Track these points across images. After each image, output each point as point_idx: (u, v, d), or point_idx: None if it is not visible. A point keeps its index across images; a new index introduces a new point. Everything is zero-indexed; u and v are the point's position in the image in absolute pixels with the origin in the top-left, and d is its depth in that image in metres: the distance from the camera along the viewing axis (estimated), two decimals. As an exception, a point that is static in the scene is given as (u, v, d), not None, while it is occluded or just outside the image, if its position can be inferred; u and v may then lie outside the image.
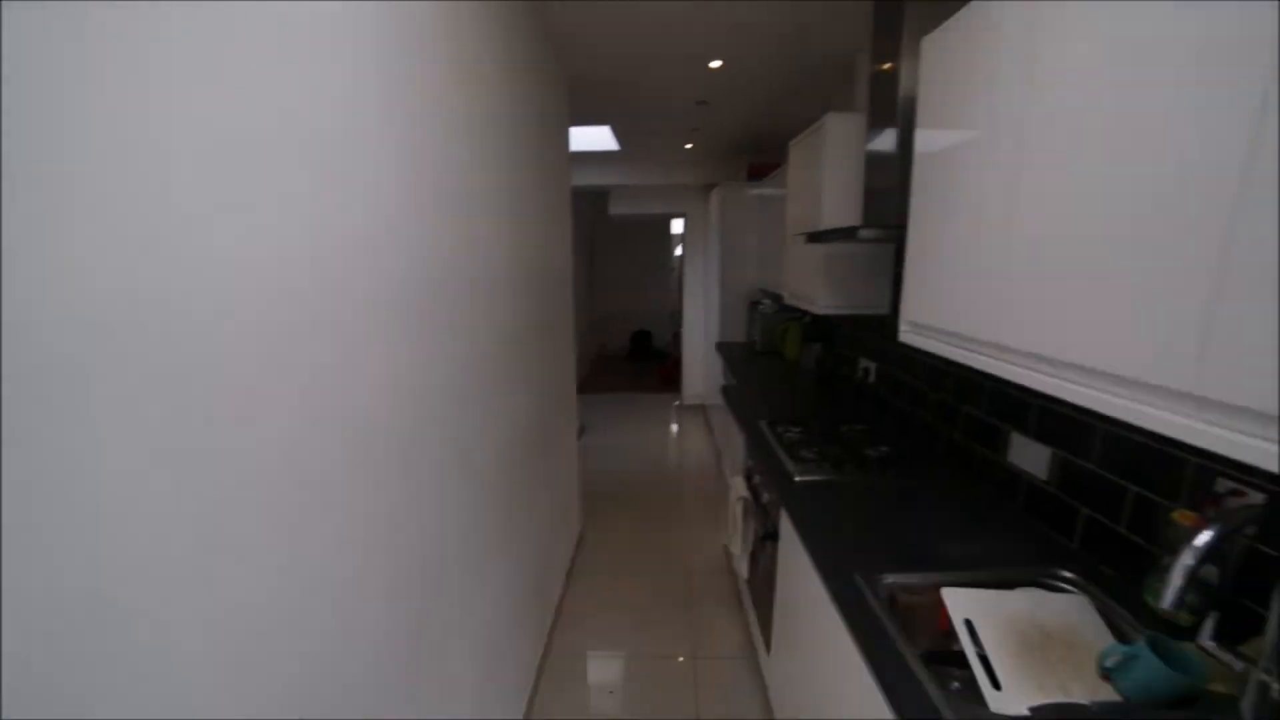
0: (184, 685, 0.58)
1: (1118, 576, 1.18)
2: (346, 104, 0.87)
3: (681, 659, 2.28)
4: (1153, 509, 1.11)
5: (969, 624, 1.02)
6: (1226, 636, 0.87)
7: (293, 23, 0.74)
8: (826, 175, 2.18)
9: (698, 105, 3.46)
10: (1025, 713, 0.87)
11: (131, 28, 0.52)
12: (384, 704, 0.99)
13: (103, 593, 0.50)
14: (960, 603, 1.05)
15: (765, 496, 1.94)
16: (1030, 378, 1.01)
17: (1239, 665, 0.82)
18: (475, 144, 1.46)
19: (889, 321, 2.33)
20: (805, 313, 3.37)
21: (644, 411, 5.94)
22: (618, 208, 5.66)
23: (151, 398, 0.54)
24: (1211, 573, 0.97)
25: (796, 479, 1.70)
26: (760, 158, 4.84)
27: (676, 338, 6.74)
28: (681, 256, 5.98)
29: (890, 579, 1.19)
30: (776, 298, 3.62)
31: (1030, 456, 1.45)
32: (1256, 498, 0.93)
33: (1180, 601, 0.71)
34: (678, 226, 8.15)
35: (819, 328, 3.36)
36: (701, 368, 5.71)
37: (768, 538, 1.88)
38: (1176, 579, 0.70)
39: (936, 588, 1.13)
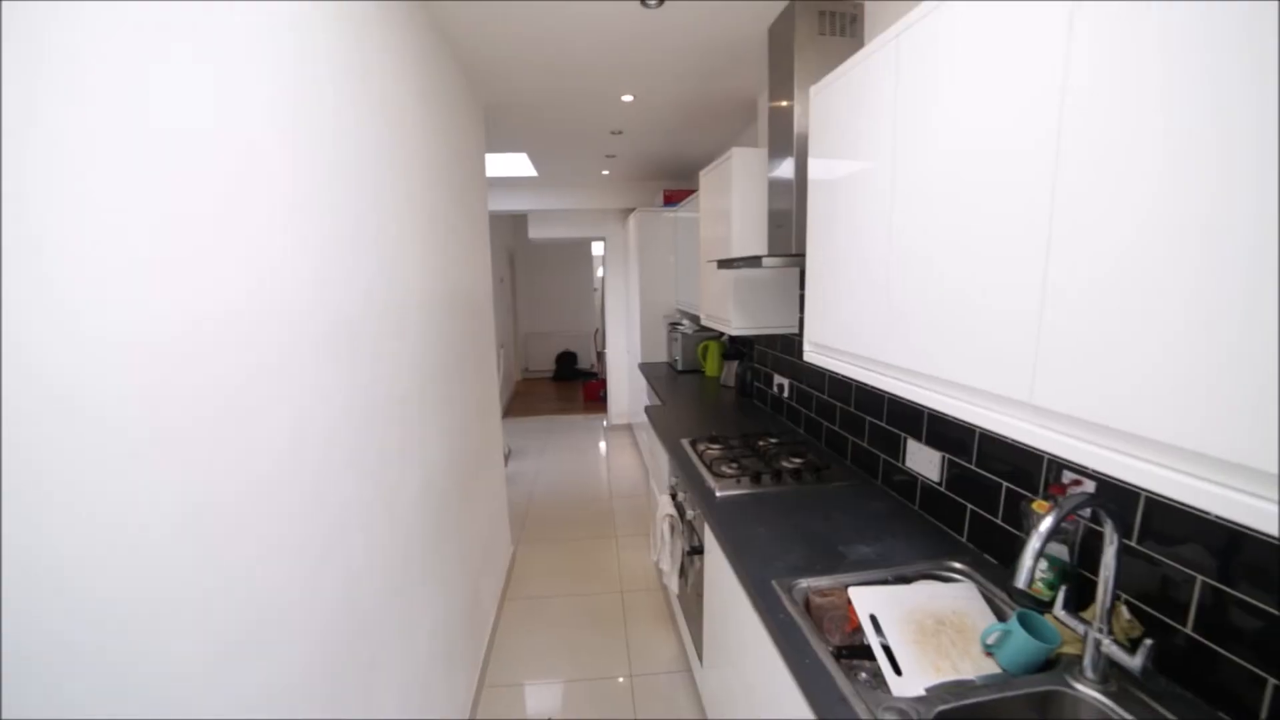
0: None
1: (998, 563, 1.34)
2: (246, 127, 0.86)
3: (621, 679, 2.30)
4: (1019, 501, 1.28)
5: (874, 619, 1.12)
6: (1074, 605, 1.02)
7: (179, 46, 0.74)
8: (735, 205, 2.32)
9: (612, 134, 3.58)
10: (922, 693, 0.97)
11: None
12: (309, 759, 0.96)
13: None
14: (866, 601, 1.15)
15: (690, 513, 2.01)
16: (913, 392, 1.14)
17: (1081, 628, 0.96)
18: (391, 172, 1.46)
19: (796, 340, 2.50)
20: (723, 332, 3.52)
21: (571, 433, 5.94)
22: (537, 231, 5.68)
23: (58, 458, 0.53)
24: (1063, 552, 1.13)
25: (718, 494, 1.79)
26: (675, 184, 5.04)
27: (601, 357, 6.80)
28: (603, 278, 6.06)
29: (804, 583, 1.29)
30: (695, 318, 3.77)
31: (924, 461, 1.61)
32: (1089, 485, 1.10)
33: (1031, 579, 0.83)
34: (599, 249, 8.26)
35: (737, 346, 3.53)
36: (627, 387, 5.79)
37: (694, 552, 1.95)
38: (1027, 560, 0.82)
39: (845, 588, 1.23)
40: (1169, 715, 0.89)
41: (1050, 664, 1.02)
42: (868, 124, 1.24)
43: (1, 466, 0.49)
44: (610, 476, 4.64)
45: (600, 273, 7.24)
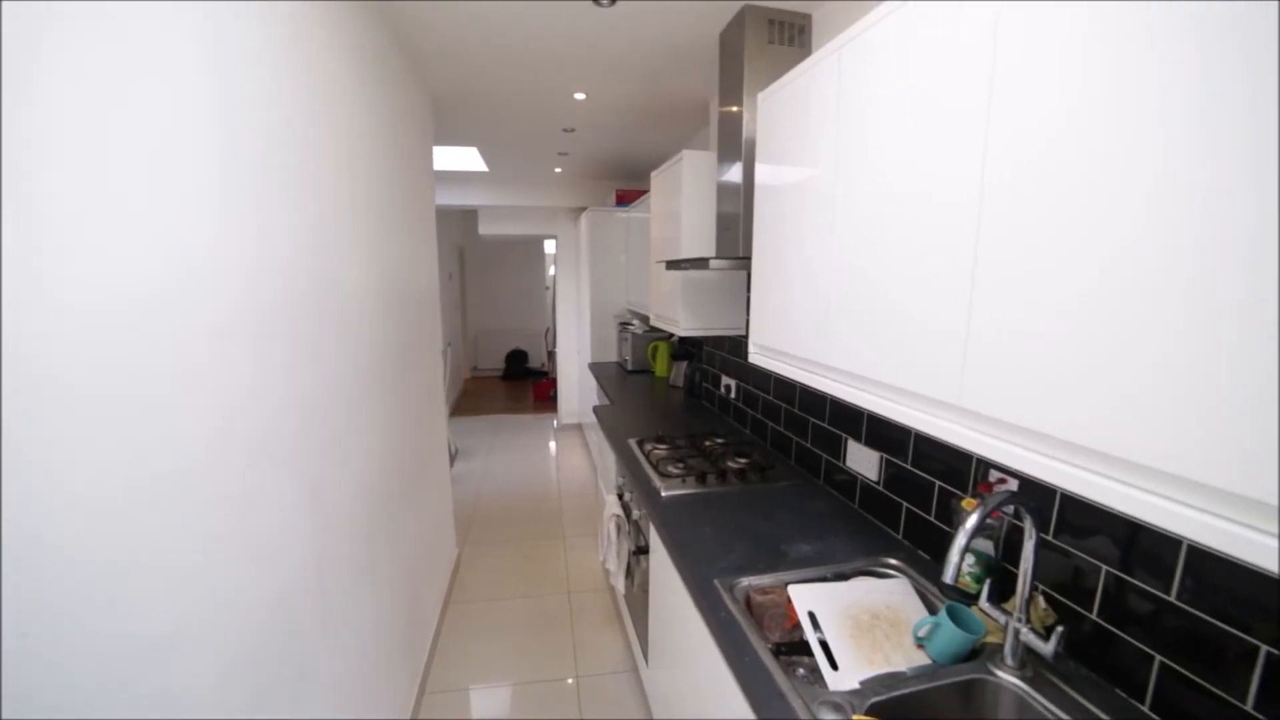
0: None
1: (931, 559, 1.40)
2: (170, 101, 0.81)
3: (568, 681, 2.28)
4: (950, 499, 1.34)
5: (812, 615, 1.15)
6: (998, 597, 1.08)
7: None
8: (685, 206, 2.34)
9: (565, 132, 3.55)
10: (856, 686, 1.00)
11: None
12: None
13: None
14: (804, 598, 1.18)
15: (636, 513, 2.02)
16: (853, 395, 1.18)
17: (1003, 619, 1.02)
18: (330, 158, 1.40)
19: (744, 342, 2.54)
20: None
21: (521, 433, 5.86)
22: (487, 228, 5.57)
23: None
24: (989, 547, 1.19)
25: (663, 494, 1.80)
26: (627, 184, 5.04)
27: (552, 356, 6.74)
28: (555, 277, 6.01)
29: (746, 581, 1.31)
30: (645, 319, 3.78)
31: (864, 461, 1.67)
32: (1013, 484, 1.17)
33: (958, 574, 0.87)
34: (551, 247, 8.18)
35: (686, 346, 3.56)
36: (577, 387, 5.76)
37: (640, 552, 1.96)
38: (954, 556, 0.86)
39: (785, 586, 1.26)
40: (1076, 695, 0.96)
41: (976, 653, 1.07)
42: (813, 131, 1.28)
43: None
44: (559, 476, 4.60)
45: (552, 271, 7.17)
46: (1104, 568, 0.98)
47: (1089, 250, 0.66)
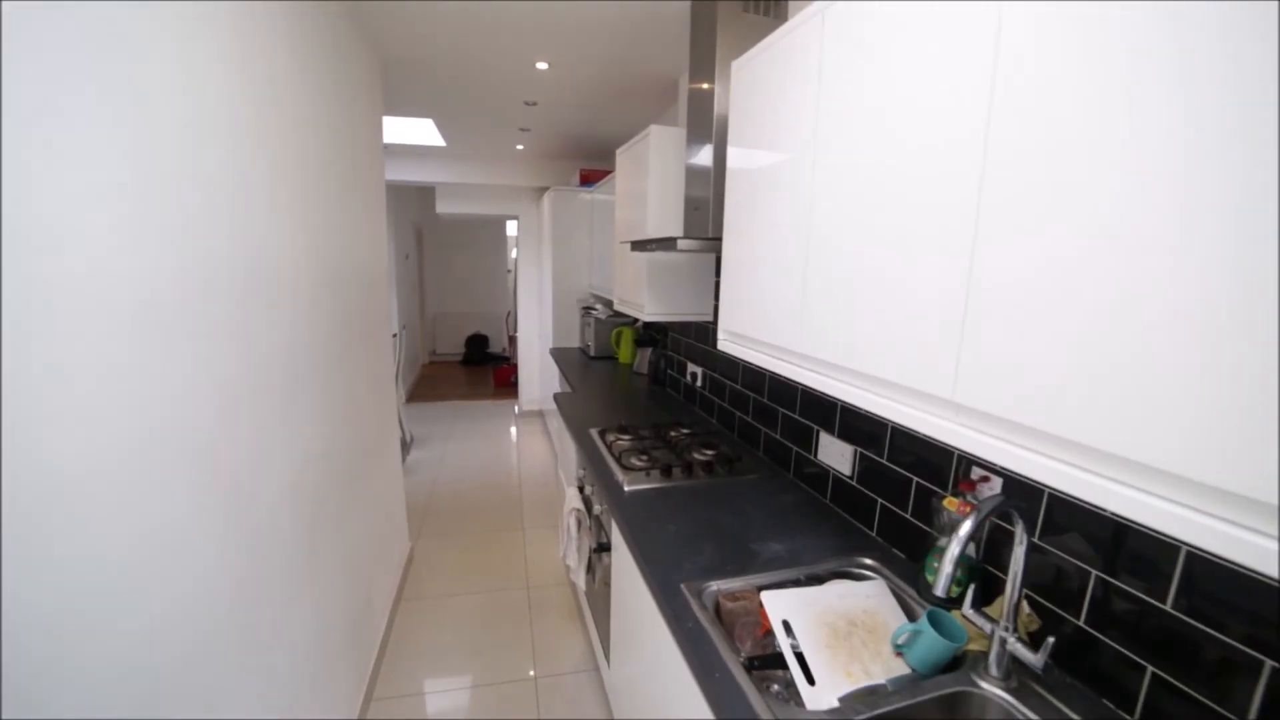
0: None
1: (907, 558, 1.34)
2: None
3: (528, 680, 2.18)
4: (929, 496, 1.28)
5: (786, 624, 1.07)
6: (980, 602, 1.02)
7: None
8: (651, 185, 2.22)
9: (527, 105, 3.36)
10: (835, 704, 0.93)
11: None
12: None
13: None
14: (778, 605, 1.10)
15: (598, 507, 1.91)
16: (830, 385, 1.09)
17: (987, 626, 0.95)
18: (248, 116, 1.22)
19: (711, 329, 2.45)
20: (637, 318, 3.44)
21: (480, 419, 5.67)
22: (445, 206, 5.32)
23: None
24: (970, 549, 1.13)
25: (626, 489, 1.70)
26: (592, 164, 4.87)
27: (513, 341, 6.54)
28: (516, 259, 5.80)
29: (715, 586, 1.22)
30: (609, 303, 3.66)
31: (836, 454, 1.60)
32: (997, 483, 1.10)
33: (949, 586, 0.80)
34: (513, 229, 7.93)
35: (651, 332, 3.46)
36: (539, 373, 5.60)
37: (601, 549, 1.86)
38: (946, 567, 0.79)
39: (757, 590, 1.18)
40: (1064, 709, 0.90)
41: (958, 661, 1.01)
42: (794, 96, 1.17)
43: None
44: (519, 465, 4.46)
45: (514, 253, 6.94)
46: (1093, 571, 0.93)
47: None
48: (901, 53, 0.87)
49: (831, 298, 1.06)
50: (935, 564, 1.14)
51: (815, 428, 1.69)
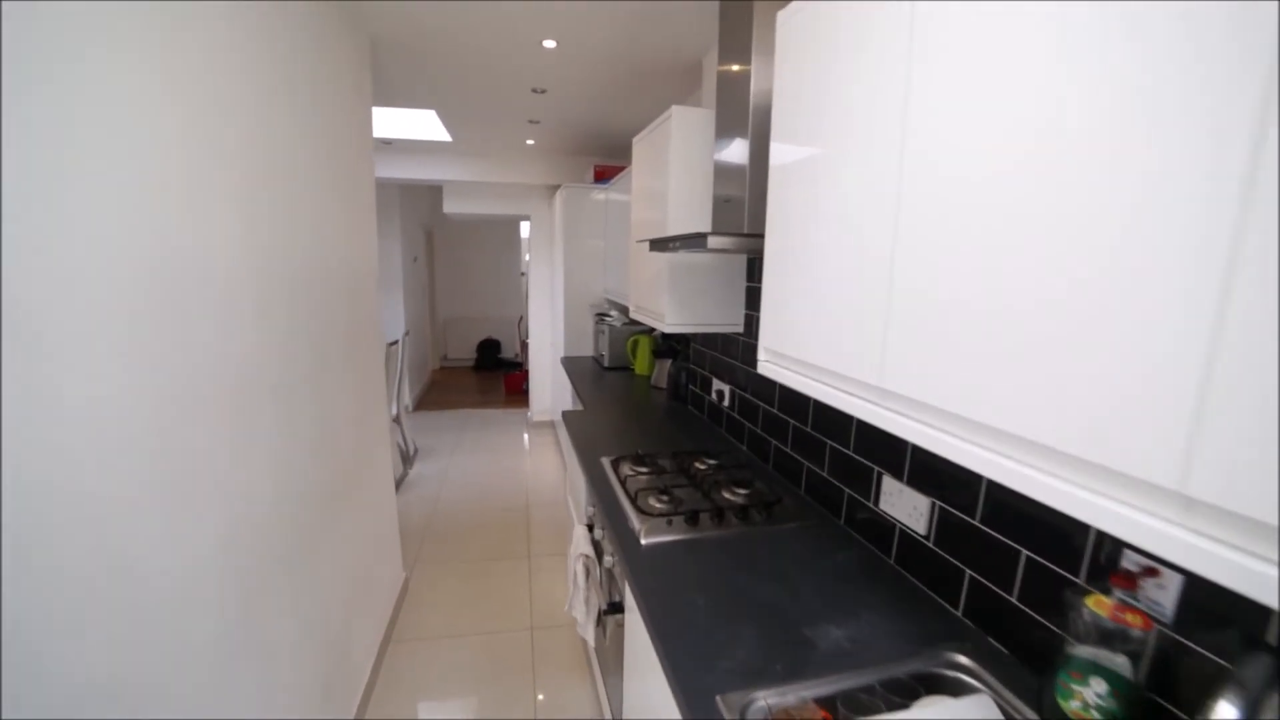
0: None
1: (1013, 658, 1.01)
2: None
3: (519, 752, 1.88)
4: (1050, 580, 0.95)
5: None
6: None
7: None
8: (673, 175, 1.91)
9: (535, 93, 3.08)
10: None
11: None
12: None
13: None
14: (854, 744, 0.78)
15: (609, 558, 1.61)
16: (922, 433, 0.78)
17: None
18: (198, 101, 0.95)
19: (741, 341, 2.14)
20: (655, 326, 3.13)
21: (489, 430, 5.40)
22: (453, 206, 5.06)
23: None
24: (1125, 666, 0.80)
25: (644, 541, 1.39)
26: (607, 160, 4.58)
27: (525, 347, 6.27)
28: (529, 261, 5.53)
29: (763, 700, 0.90)
30: (625, 309, 3.36)
31: (905, 506, 1.27)
32: (1173, 581, 0.78)
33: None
34: (527, 230, 7.67)
35: (671, 342, 3.15)
36: (550, 382, 5.32)
37: (612, 610, 1.56)
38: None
39: (819, 707, 0.86)
40: None
41: None
42: (862, 69, 0.86)
43: None
44: (528, 483, 4.16)
45: (528, 256, 6.68)
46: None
47: None
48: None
49: (926, 312, 0.75)
50: (1076, 686, 0.81)
51: (876, 469, 1.37)
